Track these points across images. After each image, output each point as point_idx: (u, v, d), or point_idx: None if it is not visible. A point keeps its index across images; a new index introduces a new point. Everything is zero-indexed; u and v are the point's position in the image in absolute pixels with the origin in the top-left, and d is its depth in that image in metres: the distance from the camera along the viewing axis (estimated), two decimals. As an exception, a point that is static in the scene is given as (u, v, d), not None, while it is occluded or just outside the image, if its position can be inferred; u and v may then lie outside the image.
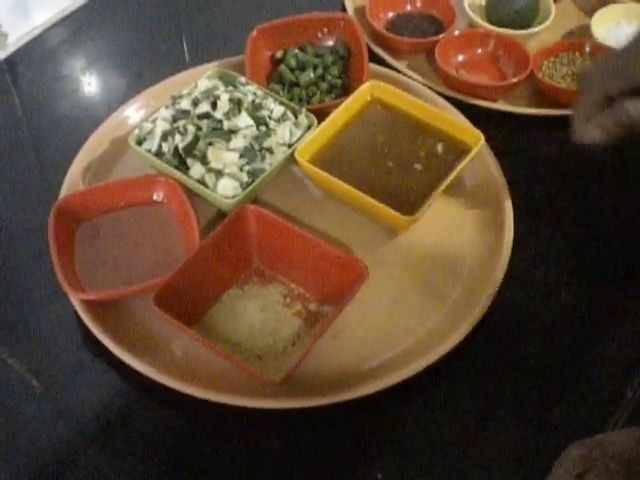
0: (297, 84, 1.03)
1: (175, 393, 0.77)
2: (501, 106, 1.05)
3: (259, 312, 0.82)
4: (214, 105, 0.92)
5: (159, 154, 0.90)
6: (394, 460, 0.76)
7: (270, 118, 0.93)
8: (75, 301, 0.83)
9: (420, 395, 0.81)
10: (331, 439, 0.78)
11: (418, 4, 1.20)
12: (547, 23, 1.14)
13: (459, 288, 0.87)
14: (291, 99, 1.00)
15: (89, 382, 0.81)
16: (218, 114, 0.91)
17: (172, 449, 0.77)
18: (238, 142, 0.89)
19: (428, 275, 0.88)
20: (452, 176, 0.88)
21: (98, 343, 0.80)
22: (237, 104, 0.92)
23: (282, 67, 1.05)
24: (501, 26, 1.14)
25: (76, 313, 0.83)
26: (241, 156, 0.89)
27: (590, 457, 0.55)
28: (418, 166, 0.92)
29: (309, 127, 0.94)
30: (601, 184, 1.00)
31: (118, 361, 0.79)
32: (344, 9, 1.19)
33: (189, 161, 0.88)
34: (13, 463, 0.76)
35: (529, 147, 1.04)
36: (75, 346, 0.84)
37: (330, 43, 1.09)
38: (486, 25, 1.14)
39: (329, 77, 1.04)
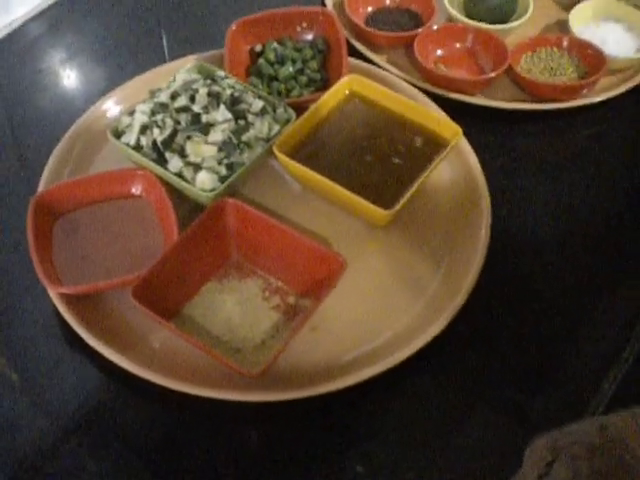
0: (276, 78, 1.03)
1: (154, 386, 0.77)
2: (479, 100, 1.06)
3: (238, 305, 0.82)
4: (192, 99, 0.92)
5: (137, 147, 0.90)
6: (374, 452, 0.77)
7: (249, 112, 0.92)
8: (53, 295, 0.83)
9: (400, 387, 0.81)
10: (310, 432, 0.78)
11: (397, -1, 1.20)
12: (525, 18, 1.14)
13: (439, 279, 0.87)
14: (270, 93, 1.01)
15: (68, 375, 0.81)
16: (196, 107, 0.91)
17: (151, 442, 0.77)
18: (217, 136, 0.89)
19: (407, 267, 0.89)
20: (430, 170, 0.89)
21: (77, 337, 0.80)
22: (216, 98, 0.92)
23: (261, 61, 1.05)
24: (479, 21, 1.14)
25: (55, 307, 0.83)
26: (219, 150, 0.89)
27: (556, 446, 0.56)
28: (397, 160, 0.92)
29: (288, 121, 0.94)
30: (578, 176, 1.01)
31: (97, 354, 0.79)
32: (323, 3, 1.20)
33: (167, 155, 0.88)
34: (-9, 456, 0.76)
35: (507, 141, 1.05)
36: (54, 340, 0.84)
37: (309, 37, 1.09)
38: (465, 20, 1.15)
39: (308, 71, 1.04)
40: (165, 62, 1.08)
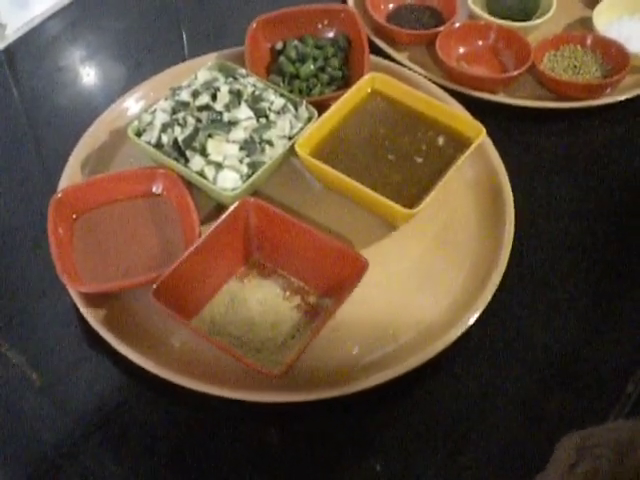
0: (297, 76, 1.03)
1: (174, 386, 0.77)
2: (502, 98, 1.05)
3: (259, 305, 0.81)
4: (214, 97, 0.92)
5: (158, 146, 0.90)
6: (393, 452, 0.76)
7: (270, 110, 0.92)
8: (74, 294, 0.82)
9: (420, 388, 0.81)
10: (330, 432, 0.78)
11: (419, -4, 1.19)
12: (548, 15, 1.13)
13: (461, 281, 0.87)
14: (291, 91, 1.00)
15: (88, 375, 0.81)
16: (218, 106, 0.90)
17: (171, 442, 0.77)
18: (238, 134, 0.88)
19: (429, 268, 0.88)
20: (453, 169, 0.88)
21: (97, 336, 0.80)
22: (237, 96, 0.91)
23: (282, 59, 1.04)
24: (502, 18, 1.13)
25: (75, 306, 0.82)
26: (241, 148, 0.88)
27: (583, 447, 0.55)
28: (419, 159, 0.91)
29: (309, 119, 0.93)
30: (603, 175, 1.00)
31: (117, 354, 0.79)
32: (344, 0, 1.19)
33: (189, 153, 0.88)
34: (12, 456, 0.76)
35: (530, 139, 1.04)
36: (74, 339, 0.84)
37: (330, 35, 1.09)
38: (487, 17, 1.14)
39: (329, 69, 1.03)
40: (184, 60, 1.08)
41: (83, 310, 0.81)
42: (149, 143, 0.90)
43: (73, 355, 0.83)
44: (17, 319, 0.85)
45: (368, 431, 0.78)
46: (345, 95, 0.95)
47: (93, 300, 0.82)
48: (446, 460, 0.76)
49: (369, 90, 0.98)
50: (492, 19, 1.13)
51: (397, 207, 0.84)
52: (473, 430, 0.78)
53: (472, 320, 0.82)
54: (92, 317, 0.81)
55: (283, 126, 0.91)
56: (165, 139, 0.89)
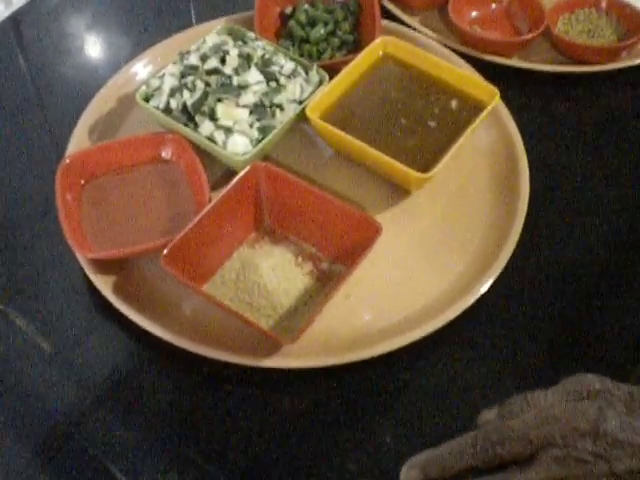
0: (307, 40, 1.01)
1: (185, 353, 0.76)
2: (516, 62, 1.03)
3: (270, 271, 0.80)
4: (223, 60, 0.90)
5: (167, 111, 0.88)
6: (402, 422, 0.76)
7: (280, 74, 0.90)
8: (83, 261, 0.82)
9: (430, 357, 0.80)
10: (340, 400, 0.77)
11: (431, -42, 1.17)
12: (563, -22, 1.11)
13: (474, 248, 0.86)
14: (301, 55, 0.98)
15: (99, 343, 0.81)
16: (227, 69, 0.89)
17: (182, 409, 0.76)
18: (248, 98, 0.87)
19: (442, 235, 0.87)
20: (467, 133, 0.86)
21: (107, 304, 0.80)
22: (247, 59, 0.90)
23: (292, 23, 1.02)
24: (515, -19, 1.11)
25: (84, 274, 0.82)
26: (251, 112, 0.87)
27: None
28: (432, 123, 0.90)
29: (320, 83, 0.92)
30: (618, 140, 0.99)
31: (127, 321, 0.78)
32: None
33: (198, 118, 0.87)
34: (22, 425, 0.76)
35: (545, 104, 1.03)
36: (84, 307, 0.83)
37: (341, -2, 1.07)
38: (500, -21, 1.12)
39: (340, 33, 1.02)
40: (192, 25, 1.06)
41: (93, 277, 0.81)
42: (157, 108, 0.89)
43: (83, 323, 0.82)
44: (26, 287, 0.85)
45: (378, 399, 0.77)
46: (356, 59, 0.94)
47: (102, 267, 0.81)
48: (456, 432, 0.75)
49: (381, 54, 0.96)
50: (506, -18, 1.11)
51: (411, 172, 0.83)
52: (482, 400, 0.76)
53: (485, 288, 0.81)
54: (102, 284, 0.80)
55: (294, 90, 0.90)
56: (174, 104, 0.88)
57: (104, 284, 0.80)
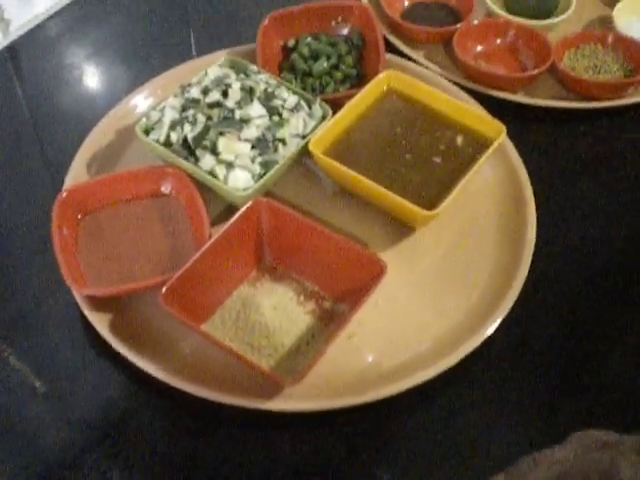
0: (310, 74, 1.00)
1: (183, 394, 0.74)
2: (521, 98, 1.02)
3: (272, 310, 0.78)
4: (225, 94, 0.89)
5: (167, 144, 0.87)
6: (407, 468, 0.73)
7: (283, 108, 0.89)
8: (79, 297, 0.80)
9: (435, 399, 0.78)
10: (343, 444, 0.75)
11: (434, -7, 1.17)
12: (568, 13, 1.11)
13: (481, 287, 0.84)
14: (304, 89, 0.97)
15: (93, 382, 0.79)
16: (229, 103, 0.88)
17: (179, 452, 0.74)
18: (250, 132, 0.86)
19: (448, 274, 0.85)
20: (474, 170, 0.85)
21: (103, 342, 0.78)
22: (249, 93, 0.89)
23: (294, 56, 1.01)
24: (520, 16, 1.10)
25: (80, 310, 0.80)
26: (253, 147, 0.85)
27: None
28: (437, 159, 0.89)
29: (323, 118, 0.91)
30: (625, 176, 0.98)
31: (123, 361, 0.77)
32: (358, -3, 1.16)
33: (199, 152, 0.85)
34: (14, 466, 0.73)
35: (550, 140, 1.02)
36: (79, 345, 0.81)
37: (344, 32, 1.06)
38: (505, 15, 1.11)
39: (343, 67, 1.01)
40: (192, 58, 1.05)
41: (88, 314, 0.79)
42: (157, 141, 0.87)
43: (78, 361, 0.80)
44: (20, 323, 0.83)
45: (383, 442, 0.75)
46: (360, 93, 0.93)
47: (99, 304, 0.80)
48: (463, 470, 0.73)
49: (385, 88, 0.95)
50: (510, 17, 1.10)
51: (416, 209, 0.81)
52: (488, 443, 0.75)
53: (492, 329, 0.79)
54: (98, 321, 0.78)
55: (297, 124, 0.88)
56: (174, 137, 0.87)
57: (100, 321, 0.78)
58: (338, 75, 0.99)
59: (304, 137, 0.88)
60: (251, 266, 0.83)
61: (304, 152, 0.88)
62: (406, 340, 0.80)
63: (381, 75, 0.94)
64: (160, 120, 0.88)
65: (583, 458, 0.53)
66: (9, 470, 0.73)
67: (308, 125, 0.89)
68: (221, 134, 0.85)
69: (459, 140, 0.90)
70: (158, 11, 1.19)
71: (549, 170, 0.97)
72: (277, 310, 0.79)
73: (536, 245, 0.86)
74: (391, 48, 1.07)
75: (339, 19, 1.06)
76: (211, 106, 0.88)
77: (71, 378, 0.79)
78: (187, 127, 0.86)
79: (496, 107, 0.98)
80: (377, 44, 1.00)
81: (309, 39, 1.03)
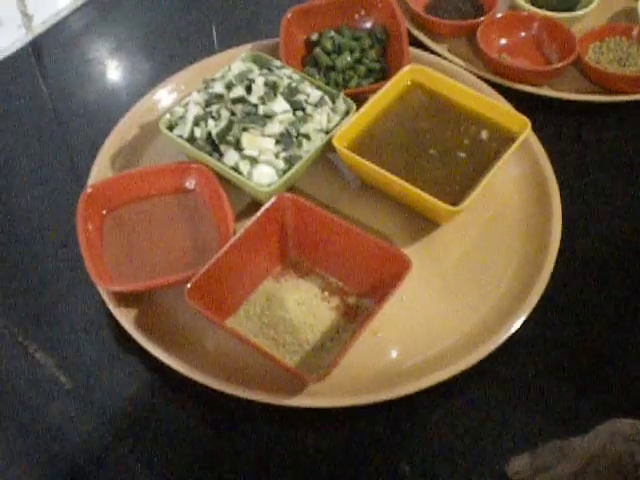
0: (333, 68, 0.99)
1: (208, 389, 0.74)
2: (546, 91, 1.01)
3: (296, 306, 0.78)
4: (249, 89, 0.89)
5: (191, 140, 0.87)
6: (431, 465, 0.73)
7: (307, 103, 0.89)
8: (104, 293, 0.80)
9: (460, 396, 0.77)
10: (367, 440, 0.75)
11: (459, -15, 1.16)
12: (592, 6, 1.10)
13: (506, 282, 0.83)
14: (327, 83, 0.97)
15: (119, 378, 0.79)
16: (253, 98, 0.87)
17: (204, 446, 0.74)
18: (274, 127, 0.85)
19: (473, 269, 0.85)
20: (499, 164, 0.84)
21: (128, 337, 0.78)
22: (273, 88, 0.88)
23: (317, 50, 1.01)
24: (544, 9, 1.09)
25: (105, 306, 0.80)
26: (277, 142, 0.85)
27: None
28: (462, 154, 0.88)
29: (347, 113, 0.90)
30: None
31: (148, 356, 0.76)
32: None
33: (222, 147, 0.85)
34: (40, 462, 0.74)
35: (575, 134, 1.01)
36: (104, 340, 0.81)
37: (368, 25, 1.05)
38: (529, 7, 1.10)
39: (367, 61, 1.00)
40: (215, 52, 1.05)
41: (114, 310, 0.79)
42: (181, 137, 0.87)
43: (103, 357, 0.80)
44: (46, 319, 0.83)
45: (407, 438, 0.75)
46: (384, 87, 0.92)
47: (124, 299, 0.80)
48: (485, 466, 0.73)
49: (409, 82, 0.94)
50: (534, 9, 1.09)
51: (441, 204, 0.81)
52: (509, 440, 0.74)
53: (517, 325, 0.79)
54: (123, 317, 0.78)
55: (320, 119, 0.88)
56: (198, 133, 0.86)
57: (125, 317, 0.78)
58: (361, 69, 0.99)
59: (328, 132, 0.88)
60: (275, 262, 0.82)
61: (328, 147, 0.87)
62: (430, 336, 0.79)
63: (405, 69, 0.94)
64: (184, 116, 0.88)
65: (613, 448, 0.52)
66: (35, 465, 0.73)
67: (332, 120, 0.89)
68: (245, 130, 0.85)
69: (484, 134, 0.90)
70: (181, 5, 1.19)
71: (574, 164, 0.96)
72: (301, 306, 0.78)
73: (562, 240, 0.85)
74: (414, 42, 1.07)
75: (362, 12, 1.05)
76: (235, 101, 0.87)
77: (96, 373, 0.79)
78: (211, 123, 0.86)
79: (520, 101, 0.97)
80: (401, 38, 0.99)
81: (332, 33, 1.02)
